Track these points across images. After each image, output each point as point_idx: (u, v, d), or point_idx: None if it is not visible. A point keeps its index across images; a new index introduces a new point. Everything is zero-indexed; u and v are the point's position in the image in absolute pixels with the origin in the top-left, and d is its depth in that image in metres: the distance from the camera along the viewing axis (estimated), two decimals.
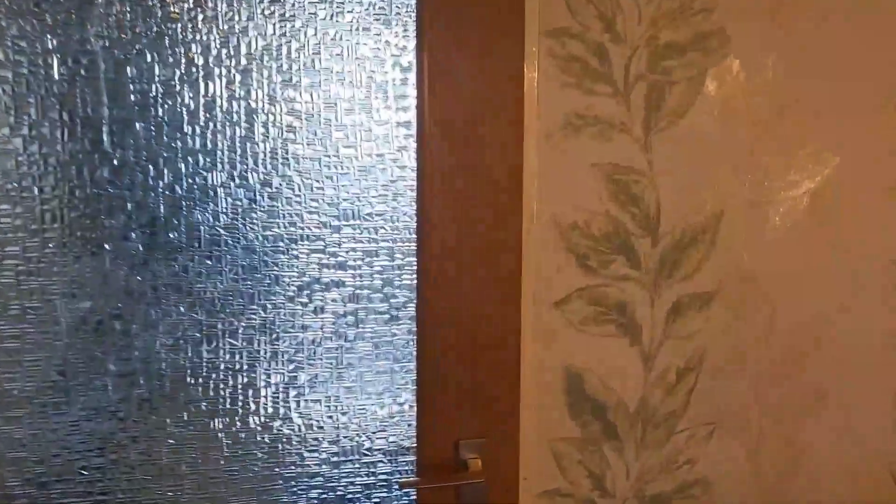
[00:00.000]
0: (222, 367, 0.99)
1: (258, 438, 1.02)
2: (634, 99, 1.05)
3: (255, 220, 0.97)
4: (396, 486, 1.05)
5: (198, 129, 0.94)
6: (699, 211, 1.09)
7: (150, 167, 0.94)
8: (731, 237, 1.11)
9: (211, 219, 0.96)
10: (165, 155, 0.94)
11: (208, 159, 0.95)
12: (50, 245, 0.92)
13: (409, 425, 1.06)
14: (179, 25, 0.93)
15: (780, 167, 1.13)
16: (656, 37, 1.06)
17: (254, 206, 0.97)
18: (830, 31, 1.13)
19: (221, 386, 1.00)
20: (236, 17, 0.94)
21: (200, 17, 0.93)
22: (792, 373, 1.20)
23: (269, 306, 0.99)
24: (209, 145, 0.95)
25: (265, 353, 1.00)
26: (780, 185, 1.14)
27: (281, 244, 0.98)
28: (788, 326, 1.18)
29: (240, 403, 1.01)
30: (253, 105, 0.96)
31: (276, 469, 1.03)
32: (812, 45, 1.13)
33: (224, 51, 0.94)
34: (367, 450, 1.05)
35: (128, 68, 0.92)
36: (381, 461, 1.06)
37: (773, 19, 1.11)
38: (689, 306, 1.12)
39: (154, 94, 0.93)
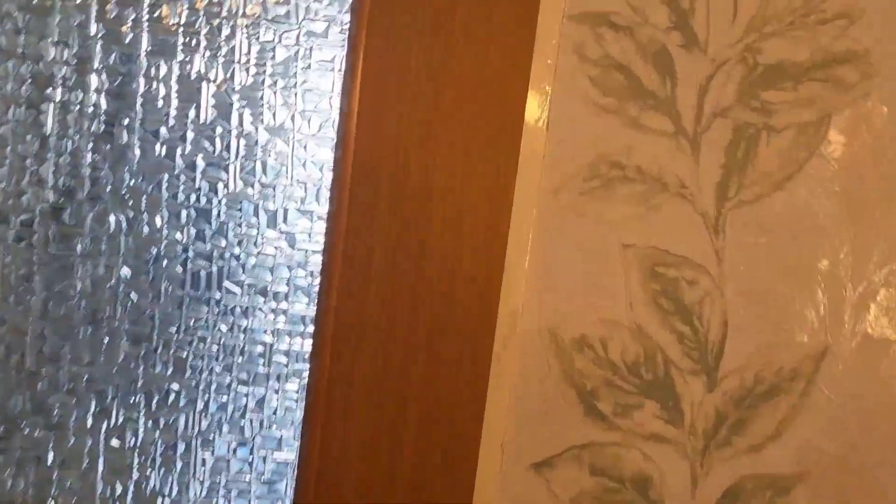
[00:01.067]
0: None
1: None
2: (707, 147, 0.68)
3: (34, 261, 0.56)
4: None
5: None
6: (789, 343, 0.71)
7: None
8: (837, 391, 0.72)
9: None
10: None
11: None
12: None
13: None
14: None
15: None
16: (758, 49, 0.66)
17: (33, 234, 0.56)
18: None
19: None
20: None
21: None
22: None
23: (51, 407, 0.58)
24: None
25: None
26: None
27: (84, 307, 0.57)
28: None
29: None
30: (42, 71, 0.55)
31: None
32: None
33: None
34: None
35: None
36: None
37: None
38: (754, 494, 0.74)
39: None
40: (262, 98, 0.60)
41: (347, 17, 0.61)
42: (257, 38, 0.60)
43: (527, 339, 0.68)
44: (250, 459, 0.62)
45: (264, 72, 0.60)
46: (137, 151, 0.59)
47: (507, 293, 0.66)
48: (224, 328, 0.62)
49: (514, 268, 0.67)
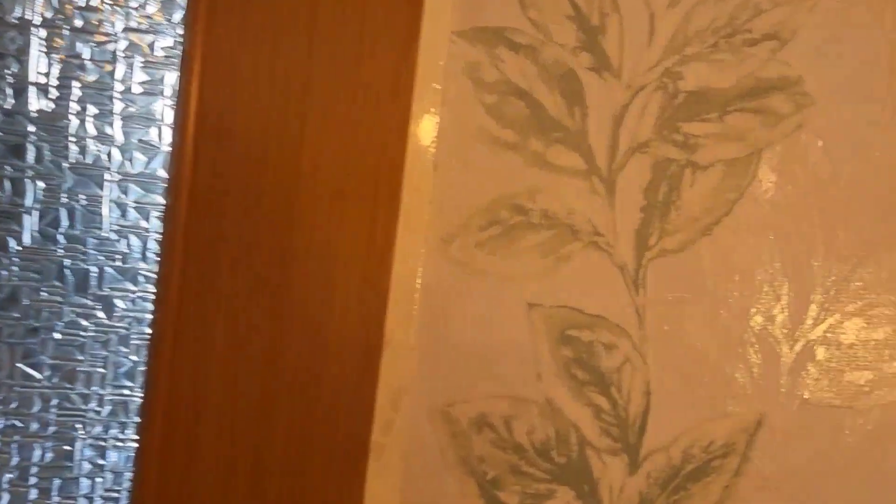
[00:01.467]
0: None
1: None
2: (624, 188, 0.60)
3: None
4: None
5: None
6: (720, 414, 0.63)
7: None
8: (774, 466, 0.64)
9: None
10: None
11: None
12: None
13: None
14: None
15: (877, 346, 0.66)
16: (678, 74, 0.59)
17: None
18: None
19: None
20: None
21: None
22: None
23: None
24: None
25: None
26: (874, 377, 0.66)
27: None
28: None
29: None
30: None
31: None
32: None
33: None
34: None
35: None
36: None
37: None
38: None
39: None
40: (67, 129, 0.47)
41: (181, 30, 0.48)
42: (59, 53, 0.47)
43: (414, 422, 0.58)
44: None
45: (70, 95, 0.47)
46: None
47: (389, 369, 0.55)
48: (19, 424, 0.48)
49: (398, 338, 0.55)
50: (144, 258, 0.51)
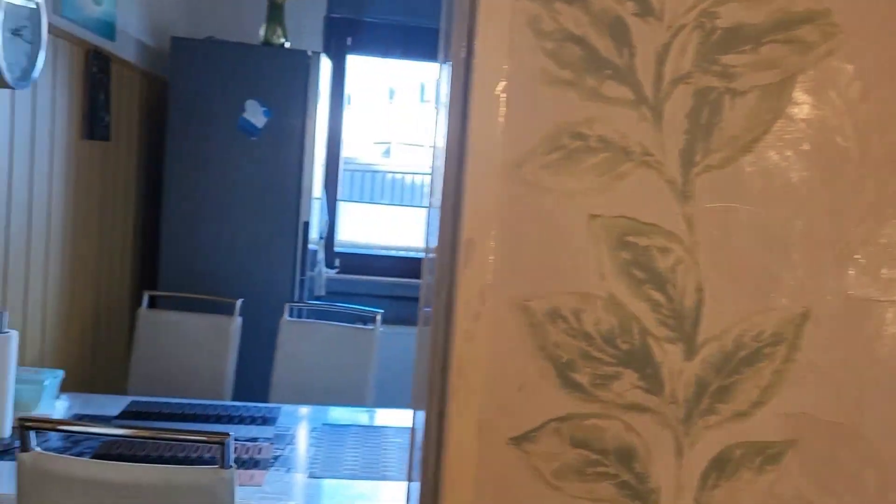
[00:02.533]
0: None
1: None
2: (670, 114, 0.70)
3: None
4: None
5: None
6: (769, 307, 0.71)
7: None
8: (822, 354, 0.72)
9: None
10: None
11: None
12: None
13: None
14: None
15: None
16: (714, 13, 0.71)
17: None
18: None
19: None
20: None
21: None
22: None
23: None
24: None
25: None
26: None
27: None
28: None
29: None
30: None
31: None
32: None
33: None
34: None
35: None
36: None
37: None
38: (741, 463, 0.73)
39: None
40: None
41: None
42: None
43: (498, 314, 0.69)
44: None
45: None
46: None
47: (474, 269, 0.68)
48: None
49: (480, 243, 0.68)
50: None
